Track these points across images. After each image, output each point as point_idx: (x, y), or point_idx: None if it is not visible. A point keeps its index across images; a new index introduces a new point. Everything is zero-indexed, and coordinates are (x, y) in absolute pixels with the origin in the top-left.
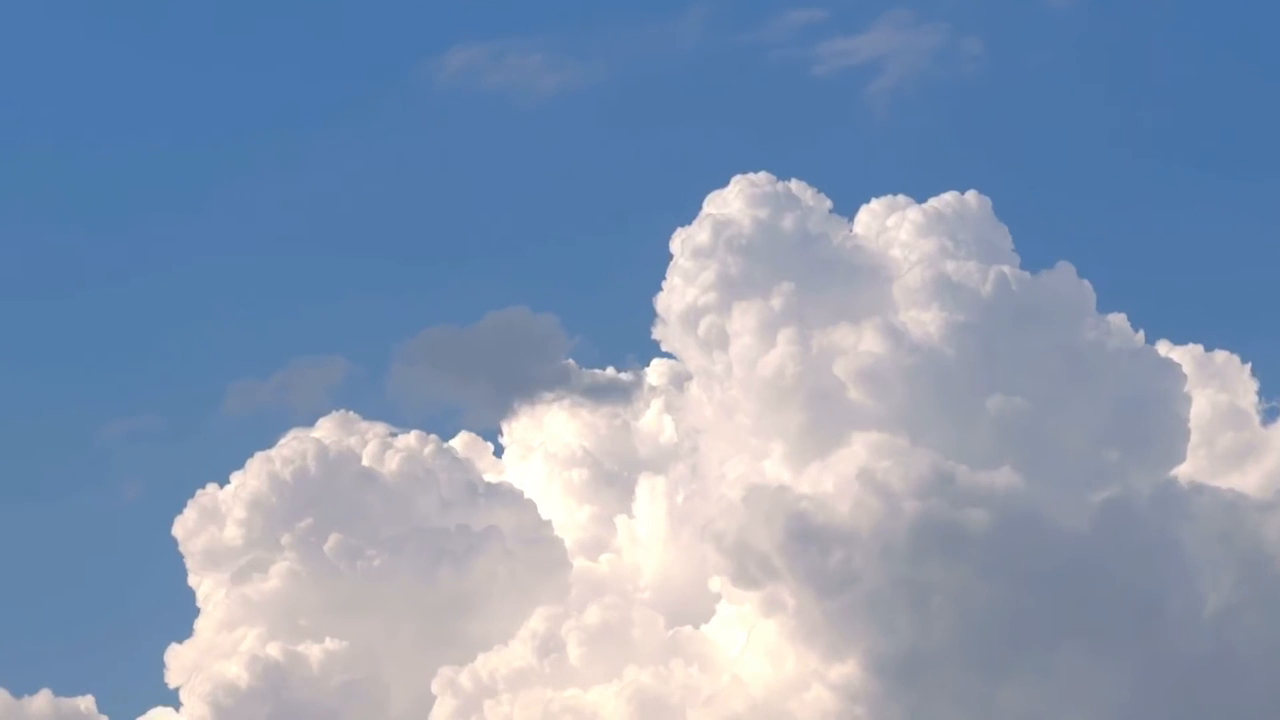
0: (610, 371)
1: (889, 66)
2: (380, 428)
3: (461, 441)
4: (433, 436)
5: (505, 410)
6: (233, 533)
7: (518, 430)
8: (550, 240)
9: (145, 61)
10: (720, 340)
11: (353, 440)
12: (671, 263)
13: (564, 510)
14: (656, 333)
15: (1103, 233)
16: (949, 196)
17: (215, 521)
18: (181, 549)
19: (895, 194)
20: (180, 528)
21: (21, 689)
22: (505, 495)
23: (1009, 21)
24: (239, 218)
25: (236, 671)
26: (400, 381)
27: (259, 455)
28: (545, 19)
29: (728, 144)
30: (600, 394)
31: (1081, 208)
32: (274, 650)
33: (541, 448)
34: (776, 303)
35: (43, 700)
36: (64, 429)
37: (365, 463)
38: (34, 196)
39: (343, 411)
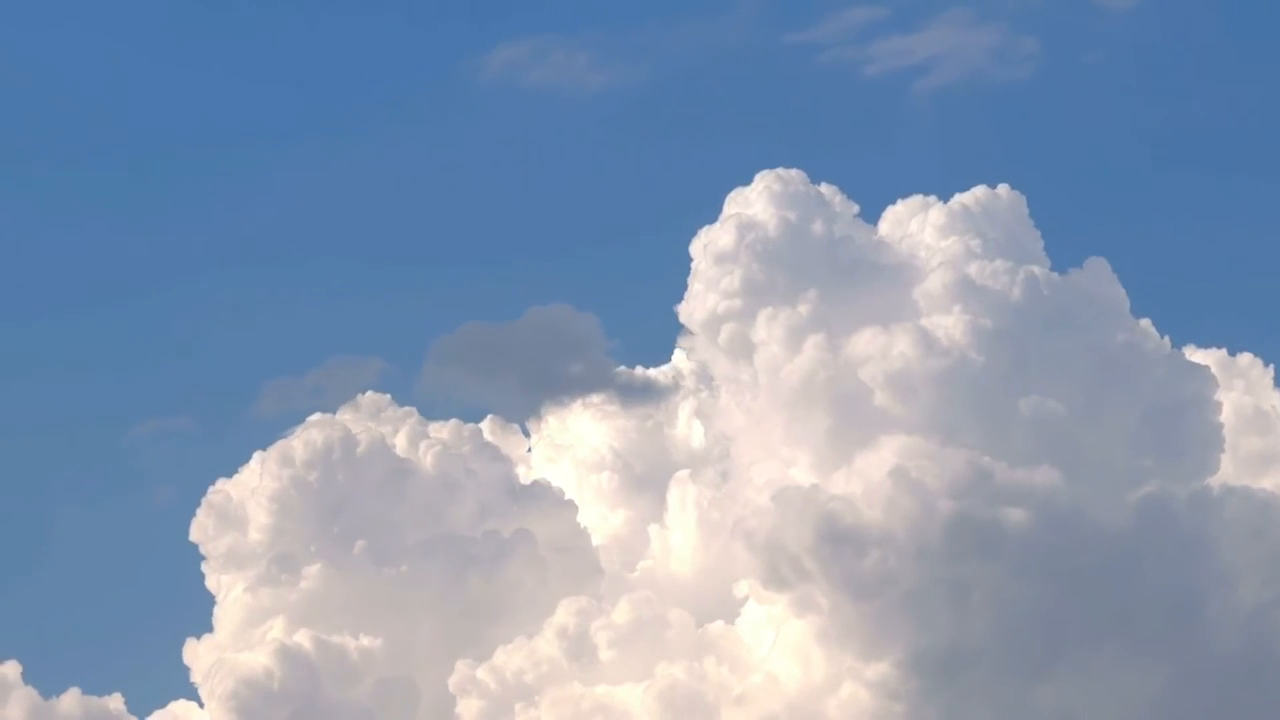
0: (644, 373)
1: (942, 66)
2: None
3: (490, 428)
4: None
5: (535, 411)
6: (256, 537)
7: (547, 430)
8: (592, 239)
9: (185, 59)
10: (745, 347)
11: (385, 430)
12: (693, 267)
13: (594, 512)
14: (682, 341)
15: (1132, 236)
16: (980, 191)
17: (236, 526)
18: (203, 550)
19: (927, 194)
20: (203, 522)
21: (51, 689)
22: (539, 495)
23: (1067, 22)
24: (278, 215)
25: (261, 665)
26: (433, 377)
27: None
28: (591, 17)
29: (772, 144)
30: (633, 395)
31: (1114, 210)
32: (300, 645)
33: (571, 449)
34: (803, 309)
35: (71, 699)
36: (96, 430)
37: (401, 453)
38: (66, 198)
39: (374, 394)
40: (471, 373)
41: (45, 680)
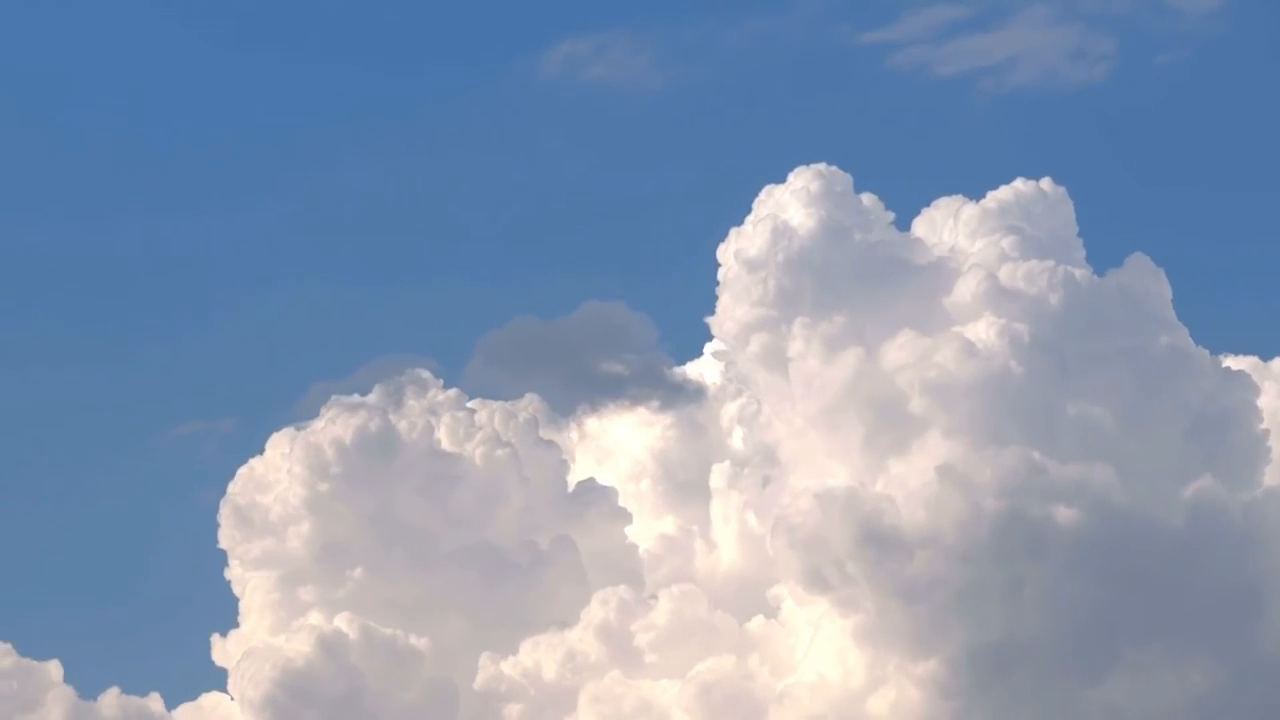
0: (688, 374)
1: (1017, 66)
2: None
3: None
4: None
5: (578, 408)
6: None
7: (591, 430)
8: (646, 238)
9: (240, 52)
10: (779, 359)
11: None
12: (721, 275)
13: (636, 512)
14: (716, 349)
15: (1173, 241)
16: (1021, 185)
17: (268, 529)
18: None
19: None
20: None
21: (90, 688)
22: (588, 497)
23: (1144, 23)
24: (332, 212)
25: (299, 655)
26: (478, 373)
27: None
28: (656, 12)
29: (828, 143)
30: (676, 396)
31: (1160, 214)
32: (340, 633)
33: (614, 449)
34: (838, 318)
35: (111, 699)
36: (138, 432)
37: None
38: (113, 190)
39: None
40: (518, 368)
41: (85, 680)
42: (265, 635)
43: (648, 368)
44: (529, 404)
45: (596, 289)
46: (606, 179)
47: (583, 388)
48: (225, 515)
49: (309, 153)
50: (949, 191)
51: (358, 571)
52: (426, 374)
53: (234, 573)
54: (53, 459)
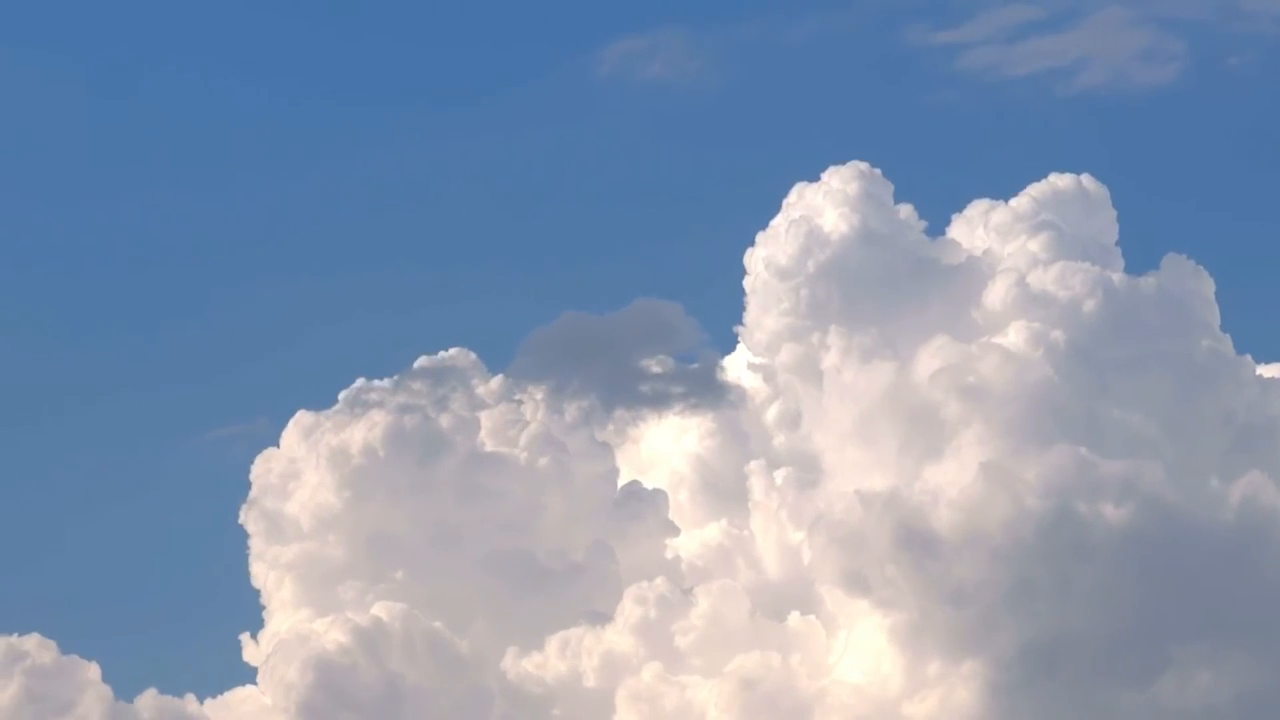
0: (729, 375)
1: (1087, 67)
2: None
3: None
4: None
5: (619, 409)
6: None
7: (633, 431)
8: (695, 236)
9: (282, 47)
10: (813, 370)
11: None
12: (749, 283)
13: (674, 513)
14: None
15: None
16: (1059, 180)
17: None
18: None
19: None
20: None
21: (128, 689)
22: (634, 500)
23: (1216, 25)
24: (380, 207)
25: (328, 651)
26: (523, 367)
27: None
28: (715, 10)
29: (883, 143)
30: (717, 396)
31: (1208, 216)
32: (378, 621)
33: (655, 449)
34: (871, 326)
35: (148, 700)
36: (173, 435)
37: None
38: (153, 173)
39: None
40: (564, 364)
41: (122, 680)
42: (297, 631)
43: (690, 369)
44: (574, 402)
45: (645, 286)
46: (659, 176)
47: (624, 388)
48: (252, 515)
49: (359, 141)
50: (997, 194)
51: (396, 571)
52: (470, 367)
53: (262, 570)
54: (93, 456)
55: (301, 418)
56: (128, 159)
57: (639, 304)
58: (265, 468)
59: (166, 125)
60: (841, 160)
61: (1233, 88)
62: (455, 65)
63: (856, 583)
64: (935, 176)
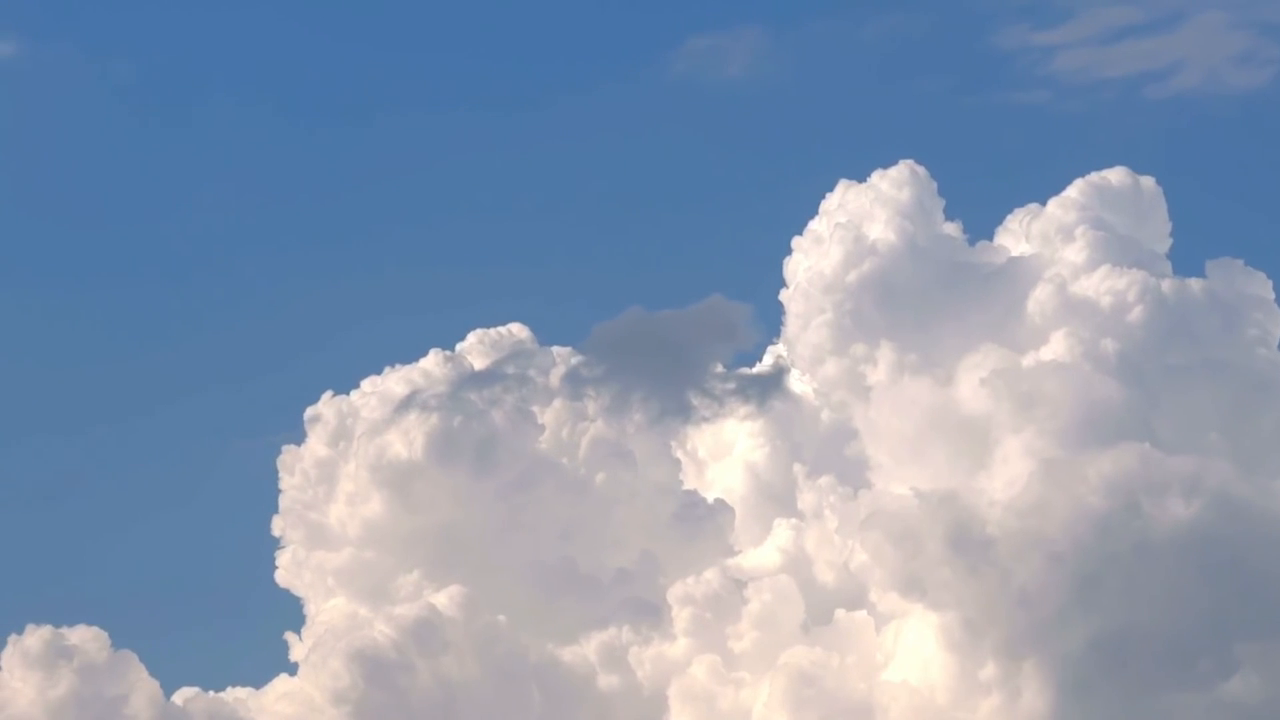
0: (782, 376)
1: (1182, 70)
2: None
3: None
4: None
5: (675, 409)
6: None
7: (692, 431)
8: (755, 235)
9: (376, 44)
10: (859, 384)
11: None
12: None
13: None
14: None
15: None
16: (1114, 176)
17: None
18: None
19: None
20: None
21: (171, 685)
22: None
23: None
24: (442, 203)
25: (374, 644)
26: (587, 362)
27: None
28: (790, 8)
29: (959, 141)
30: (769, 396)
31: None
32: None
33: (713, 450)
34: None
35: (192, 695)
36: (227, 435)
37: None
38: (200, 176)
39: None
40: (627, 361)
41: (166, 676)
42: (340, 627)
43: (753, 374)
44: (636, 401)
45: (711, 283)
46: (726, 173)
47: (687, 389)
48: (288, 516)
49: (433, 140)
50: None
51: (449, 568)
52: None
53: (297, 567)
54: (148, 453)
55: (343, 413)
56: (166, 167)
57: (712, 301)
58: (298, 470)
59: (211, 133)
60: (912, 152)
61: None
62: (531, 66)
63: (912, 584)
64: (1011, 175)
